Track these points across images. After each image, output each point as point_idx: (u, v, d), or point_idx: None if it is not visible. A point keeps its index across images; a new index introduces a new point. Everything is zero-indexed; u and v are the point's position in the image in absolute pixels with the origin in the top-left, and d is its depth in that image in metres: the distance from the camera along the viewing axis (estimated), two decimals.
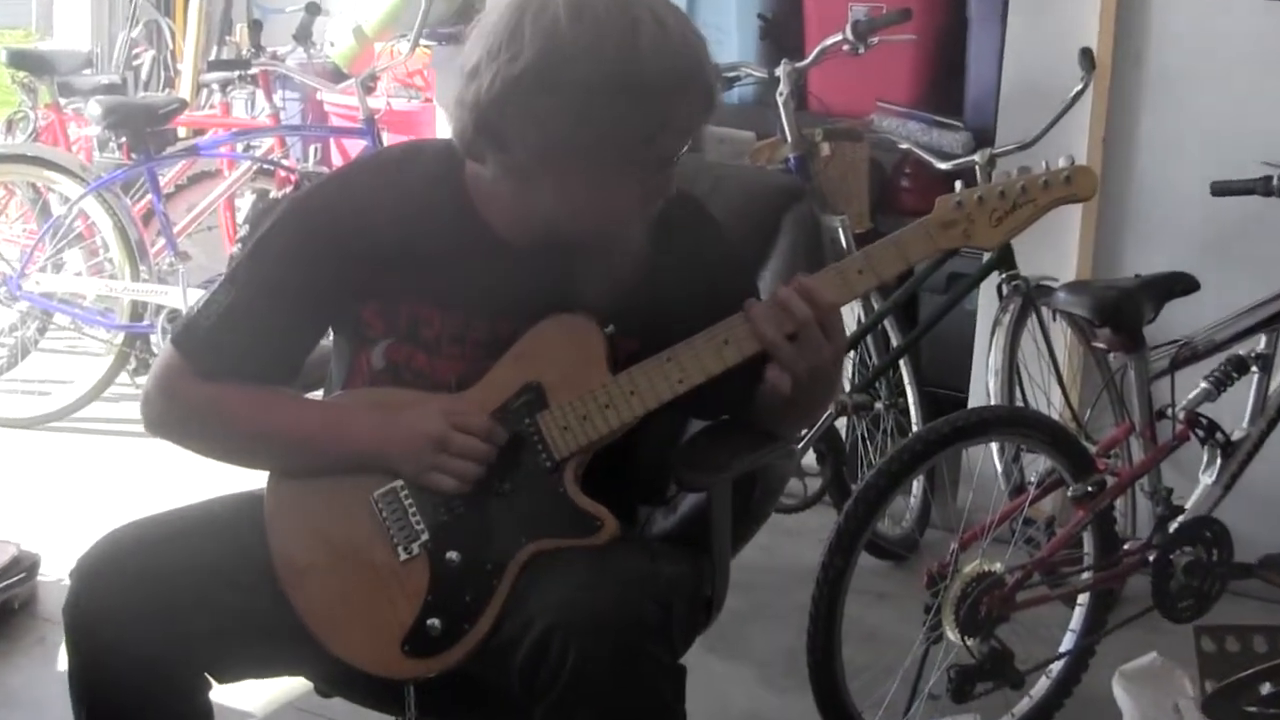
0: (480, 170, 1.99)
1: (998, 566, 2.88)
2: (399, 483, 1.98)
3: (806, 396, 1.99)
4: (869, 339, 3.90)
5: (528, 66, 1.84)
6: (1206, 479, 3.19)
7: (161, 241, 4.95)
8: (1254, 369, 3.20)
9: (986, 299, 3.98)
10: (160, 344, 4.83)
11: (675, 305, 2.02)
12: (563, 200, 1.94)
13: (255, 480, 2.06)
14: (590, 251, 2.01)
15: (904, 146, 4.04)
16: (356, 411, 2.03)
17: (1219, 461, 3.18)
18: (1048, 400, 3.78)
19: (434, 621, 1.93)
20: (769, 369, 1.96)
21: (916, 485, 3.98)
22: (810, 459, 3.89)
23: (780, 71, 3.89)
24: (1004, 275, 3.71)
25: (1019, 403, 3.67)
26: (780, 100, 3.88)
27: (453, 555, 1.95)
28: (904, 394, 4.02)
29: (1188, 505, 3.17)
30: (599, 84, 1.82)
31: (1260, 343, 3.21)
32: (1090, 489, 2.99)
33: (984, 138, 4.17)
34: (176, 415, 2.04)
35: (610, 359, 2.00)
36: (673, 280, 2.04)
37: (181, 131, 6.01)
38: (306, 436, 2.01)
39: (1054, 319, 3.72)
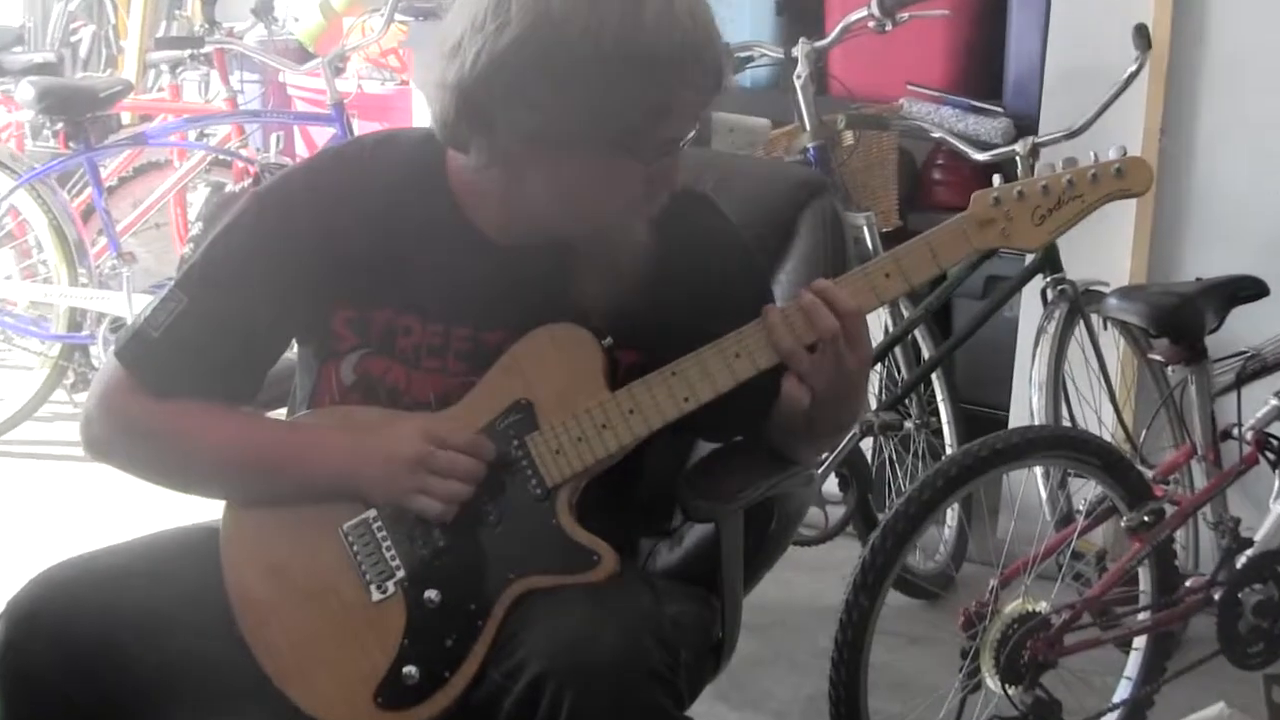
0: (464, 161, 1.99)
1: (1043, 606, 2.88)
2: (371, 513, 1.98)
3: (827, 415, 2.00)
4: (898, 350, 3.90)
5: (516, 38, 1.84)
6: (1278, 507, 3.20)
7: (103, 241, 4.95)
8: None
9: (1029, 306, 3.99)
10: (102, 357, 4.84)
11: (681, 313, 2.03)
12: (556, 192, 1.94)
13: (210, 510, 2.06)
14: (586, 252, 2.01)
15: (936, 135, 4.04)
16: (324, 433, 2.03)
17: None
18: (1098, 419, 3.78)
19: (411, 669, 1.93)
20: (785, 381, 1.96)
21: (951, 515, 3.98)
22: (832, 485, 3.88)
23: (798, 51, 3.89)
24: (1049, 279, 3.71)
25: (1066, 422, 3.67)
26: (798, 83, 3.88)
27: (432, 594, 1.95)
28: (937, 412, 4.02)
29: (1257, 537, 3.17)
30: (596, 58, 1.83)
31: None
32: (1147, 519, 2.99)
33: (1026, 125, 4.17)
34: (120, 437, 2.04)
35: (608, 374, 2.00)
36: (678, 285, 2.05)
37: (126, 117, 6.03)
38: (267, 461, 2.01)
39: (1105, 328, 3.72)
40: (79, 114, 4.84)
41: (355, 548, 1.98)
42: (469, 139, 1.94)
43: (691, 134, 1.96)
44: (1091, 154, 2.04)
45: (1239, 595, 3.09)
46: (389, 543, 1.97)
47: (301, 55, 5.98)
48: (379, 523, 1.98)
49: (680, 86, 1.88)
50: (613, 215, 1.98)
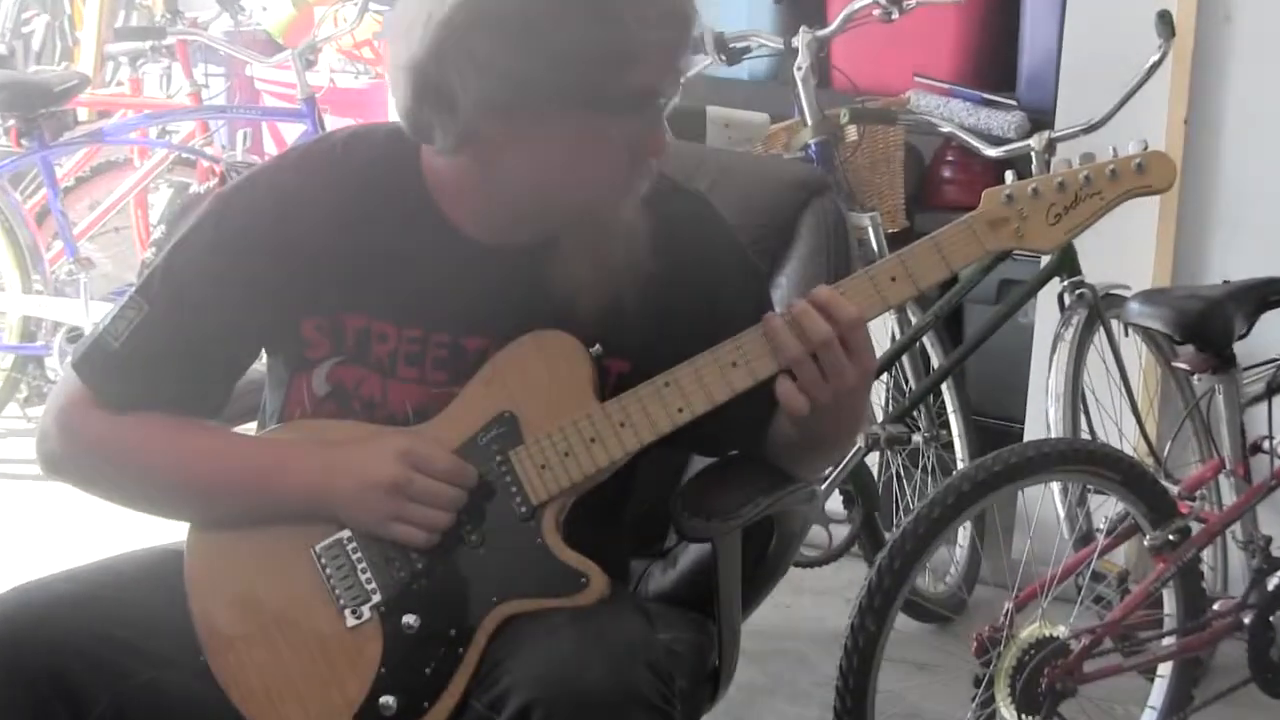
0: (437, 156, 1.99)
1: (1061, 631, 2.88)
2: (345, 533, 1.98)
3: (829, 429, 2.00)
4: (905, 359, 3.90)
5: (457, 2, 1.86)
6: None
7: (59, 245, 4.95)
8: None
9: (1045, 311, 3.99)
10: (58, 369, 4.83)
11: (674, 320, 2.04)
12: (530, 169, 1.94)
13: (173, 532, 2.06)
14: (573, 251, 2.01)
15: (946, 130, 4.04)
16: (296, 448, 2.03)
17: None
18: (1119, 431, 3.79)
19: (388, 699, 1.93)
20: (780, 387, 1.95)
21: (963, 534, 3.98)
22: (836, 503, 3.89)
23: (798, 41, 3.89)
24: (1066, 282, 3.71)
25: (1085, 435, 3.68)
26: (798, 75, 3.88)
27: (410, 619, 1.95)
28: (947, 425, 4.02)
29: None
30: (541, 5, 1.85)
31: None
32: (1172, 537, 2.99)
33: (1041, 119, 4.17)
34: (78, 454, 2.04)
35: (597, 384, 2.00)
36: (671, 290, 2.05)
37: (82, 114, 6.02)
38: (235, 479, 2.02)
39: (1126, 334, 3.73)
40: (32, 110, 4.82)
41: (328, 570, 1.98)
42: (432, 124, 1.94)
43: (673, 95, 1.95)
44: (1111, 149, 2.04)
45: (1270, 619, 3.10)
46: (364, 565, 1.97)
47: (270, 47, 5.97)
48: (354, 543, 1.98)
49: (638, 27, 1.87)
50: (597, 191, 1.97)
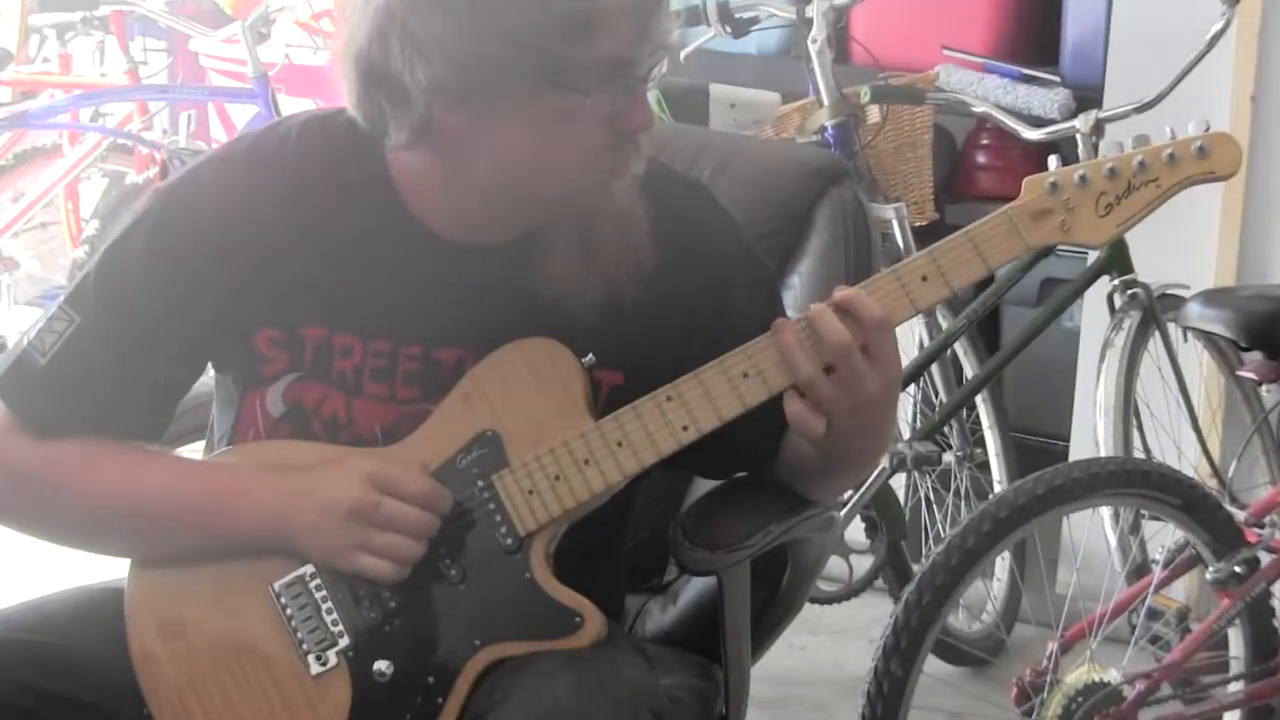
0: (400, 149, 2.00)
1: (1113, 675, 2.88)
2: (308, 569, 1.98)
3: (849, 448, 2.01)
4: (934, 368, 3.91)
5: None
6: None
7: None
8: None
9: (1093, 314, 4.00)
10: None
11: (674, 326, 2.05)
12: (498, 158, 1.95)
13: (110, 567, 2.07)
14: (558, 247, 2.01)
15: (980, 110, 4.06)
16: (248, 474, 2.03)
17: None
18: (1178, 449, 3.79)
19: None
20: (790, 407, 1.95)
21: (1001, 565, 3.99)
22: (857, 530, 3.89)
23: (813, 10, 3.91)
24: (1117, 282, 3.72)
25: (1139, 453, 3.68)
26: (813, 49, 3.89)
27: (382, 666, 1.95)
28: (982, 442, 4.03)
29: None
30: None
31: None
32: (1238, 570, 3.00)
33: (1088, 97, 4.18)
34: (2, 486, 2.05)
35: (590, 398, 2.01)
36: (670, 292, 2.06)
37: (4, 94, 6.02)
38: (181, 510, 2.02)
39: (1185, 340, 3.74)
40: None
41: (289, 610, 1.98)
42: (386, 117, 1.95)
43: (653, 64, 1.95)
44: (1167, 130, 2.04)
45: None
46: (330, 604, 1.97)
47: (217, 19, 5.98)
48: (317, 580, 1.98)
49: None
50: (577, 176, 1.97)
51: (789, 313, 2.08)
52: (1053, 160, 2.05)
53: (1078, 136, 3.69)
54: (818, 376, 1.93)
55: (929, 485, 4.04)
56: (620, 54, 1.92)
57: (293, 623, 1.97)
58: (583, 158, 1.96)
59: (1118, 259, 3.72)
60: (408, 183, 2.03)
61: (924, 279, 1.98)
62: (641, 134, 1.99)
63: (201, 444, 2.25)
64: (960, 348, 3.92)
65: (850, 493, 3.57)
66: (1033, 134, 3.80)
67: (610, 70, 1.92)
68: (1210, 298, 3.25)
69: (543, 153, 1.95)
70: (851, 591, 3.89)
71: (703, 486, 2.25)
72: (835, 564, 3.86)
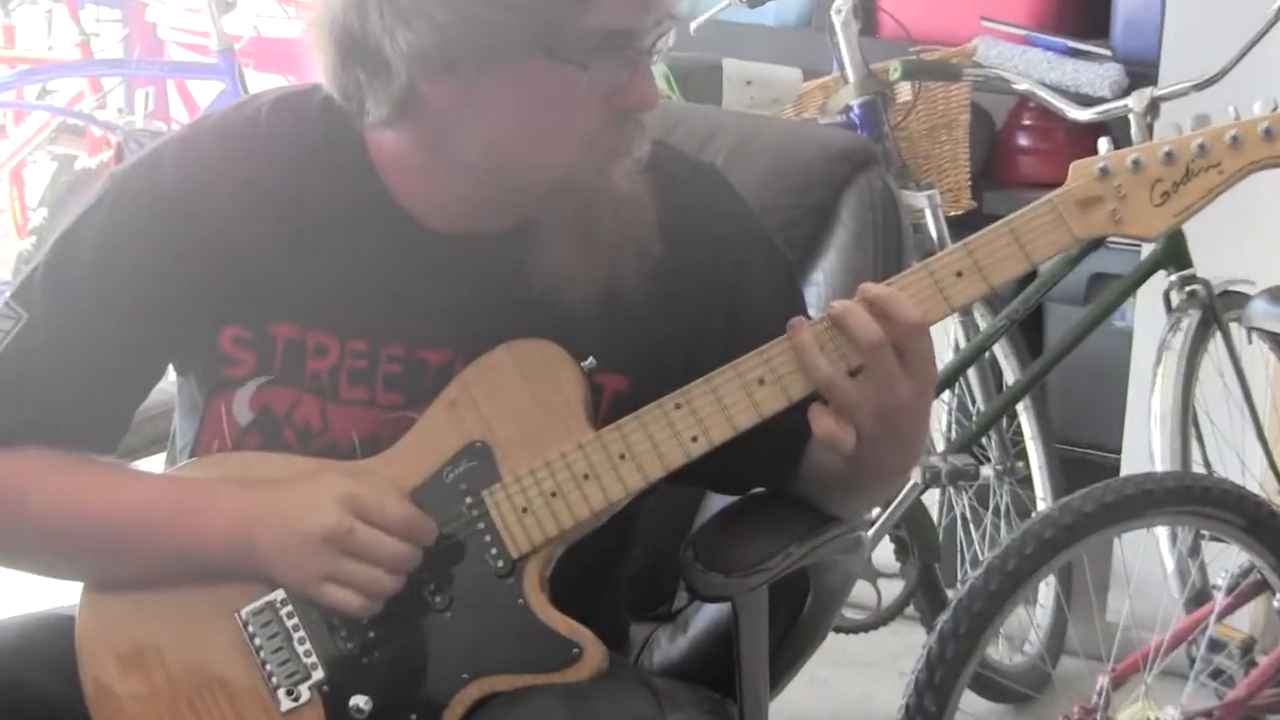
0: (381, 128, 2.00)
1: (1170, 713, 2.88)
2: (278, 594, 1.98)
3: (877, 461, 2.00)
4: (972, 373, 3.91)
5: None
6: None
7: None
8: None
9: (1147, 313, 4.00)
10: None
11: (683, 326, 2.05)
12: (486, 137, 1.95)
13: (58, 592, 2.07)
14: (555, 236, 2.01)
15: (1022, 87, 4.06)
16: (213, 489, 2.03)
17: None
18: (1241, 463, 3.79)
19: None
20: (818, 423, 1.95)
21: (1045, 591, 3.99)
22: (886, 552, 3.90)
23: None
24: (1174, 277, 3.72)
25: (1198, 467, 3.68)
26: (837, 20, 3.90)
27: (359, 701, 1.96)
28: (1024, 455, 4.03)
29: None
30: None
31: None
32: None
33: (1142, 73, 4.19)
34: None
35: (590, 406, 2.01)
36: (679, 288, 2.06)
37: None
38: (136, 528, 2.01)
39: (1249, 341, 3.74)
40: None
41: (258, 640, 1.98)
42: (364, 95, 1.95)
43: (658, 37, 1.95)
44: (1231, 110, 2.04)
45: None
46: (302, 633, 1.97)
47: None
48: (289, 606, 1.98)
49: None
50: (573, 158, 1.96)
51: (811, 313, 2.07)
52: (1103, 143, 2.05)
53: (1130, 116, 3.69)
54: (838, 378, 1.92)
55: (965, 502, 4.04)
56: (621, 23, 1.92)
57: (261, 654, 1.97)
58: (580, 138, 1.96)
59: (1174, 252, 3.72)
60: (389, 165, 2.03)
61: (959, 274, 1.97)
62: (645, 113, 1.98)
63: (162, 456, 2.25)
64: (1000, 350, 3.93)
65: (878, 510, 3.58)
66: (1081, 114, 3.80)
67: (610, 41, 1.92)
68: (1277, 295, 3.25)
69: (536, 131, 1.95)
70: (880, 620, 3.89)
71: (715, 503, 2.26)
72: (862, 589, 3.86)
